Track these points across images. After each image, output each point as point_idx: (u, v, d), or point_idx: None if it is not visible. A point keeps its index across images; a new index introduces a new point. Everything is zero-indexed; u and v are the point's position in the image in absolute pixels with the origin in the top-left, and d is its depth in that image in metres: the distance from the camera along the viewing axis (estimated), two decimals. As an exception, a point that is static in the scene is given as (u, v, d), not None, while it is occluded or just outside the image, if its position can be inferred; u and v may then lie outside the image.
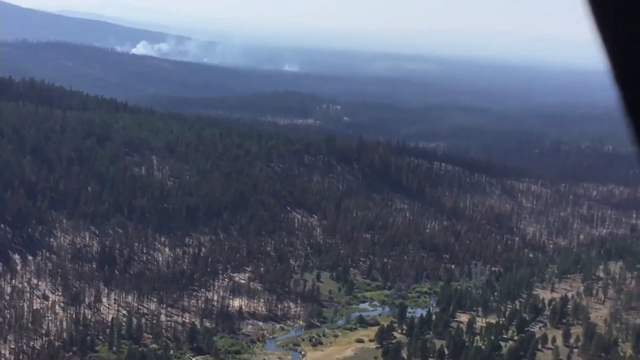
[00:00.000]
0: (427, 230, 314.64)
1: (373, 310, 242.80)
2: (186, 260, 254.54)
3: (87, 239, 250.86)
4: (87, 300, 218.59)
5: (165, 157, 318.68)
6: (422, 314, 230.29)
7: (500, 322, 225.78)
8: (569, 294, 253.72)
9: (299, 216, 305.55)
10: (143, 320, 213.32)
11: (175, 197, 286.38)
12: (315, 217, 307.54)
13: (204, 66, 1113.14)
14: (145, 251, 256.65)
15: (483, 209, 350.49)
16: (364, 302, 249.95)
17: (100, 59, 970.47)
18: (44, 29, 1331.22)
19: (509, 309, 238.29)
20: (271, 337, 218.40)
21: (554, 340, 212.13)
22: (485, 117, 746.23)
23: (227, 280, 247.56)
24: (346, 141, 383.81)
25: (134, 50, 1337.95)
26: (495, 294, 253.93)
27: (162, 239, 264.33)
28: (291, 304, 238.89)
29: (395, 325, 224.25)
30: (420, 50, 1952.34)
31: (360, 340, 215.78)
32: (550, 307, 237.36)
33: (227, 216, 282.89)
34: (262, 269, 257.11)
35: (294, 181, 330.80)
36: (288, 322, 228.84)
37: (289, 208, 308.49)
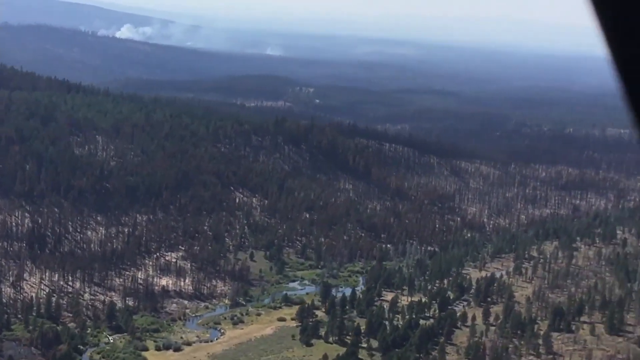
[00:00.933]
0: (368, 210, 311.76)
1: (301, 289, 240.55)
2: (120, 239, 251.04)
3: (20, 218, 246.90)
4: (10, 279, 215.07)
5: (110, 138, 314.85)
6: (344, 293, 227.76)
7: (424, 300, 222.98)
8: (499, 273, 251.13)
9: (241, 196, 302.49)
10: (65, 299, 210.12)
11: (116, 177, 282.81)
12: (257, 197, 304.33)
13: (184, 49, 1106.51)
14: (79, 230, 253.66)
15: (427, 189, 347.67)
16: (294, 281, 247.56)
17: (80, 42, 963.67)
18: (31, 12, 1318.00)
19: (436, 288, 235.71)
20: (194, 315, 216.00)
21: (474, 318, 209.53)
22: (455, 100, 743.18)
23: (159, 259, 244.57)
24: (295, 122, 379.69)
25: (118, 34, 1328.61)
26: (426, 273, 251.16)
27: (99, 219, 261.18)
28: (220, 282, 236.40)
29: (320, 303, 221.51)
30: (404, 35, 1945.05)
31: (282, 319, 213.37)
32: (475, 286, 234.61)
33: (167, 196, 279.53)
34: (196, 248, 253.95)
35: (239, 162, 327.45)
36: (214, 300, 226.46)
37: (232, 188, 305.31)
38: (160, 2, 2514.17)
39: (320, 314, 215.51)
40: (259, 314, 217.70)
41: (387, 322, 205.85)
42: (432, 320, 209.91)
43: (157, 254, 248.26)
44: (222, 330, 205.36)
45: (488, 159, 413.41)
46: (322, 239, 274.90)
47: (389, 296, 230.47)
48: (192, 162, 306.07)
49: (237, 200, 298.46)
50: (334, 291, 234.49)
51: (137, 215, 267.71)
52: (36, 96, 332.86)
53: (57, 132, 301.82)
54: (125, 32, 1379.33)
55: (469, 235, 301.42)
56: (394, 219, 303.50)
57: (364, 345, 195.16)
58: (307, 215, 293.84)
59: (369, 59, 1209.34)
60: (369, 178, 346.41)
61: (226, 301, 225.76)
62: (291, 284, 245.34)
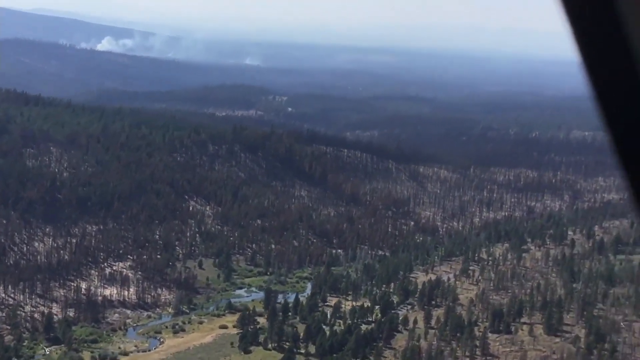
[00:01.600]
0: (321, 216, 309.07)
1: (247, 296, 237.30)
2: (67, 250, 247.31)
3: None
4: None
5: (65, 149, 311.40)
6: (285, 299, 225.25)
7: (366, 305, 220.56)
8: (446, 276, 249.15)
9: (195, 204, 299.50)
10: (5, 311, 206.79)
11: (68, 188, 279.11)
12: (211, 205, 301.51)
13: (162, 61, 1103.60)
14: (26, 242, 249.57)
15: (382, 194, 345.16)
16: (241, 288, 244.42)
17: (57, 55, 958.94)
18: (11, 27, 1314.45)
19: (380, 292, 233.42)
20: (135, 325, 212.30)
21: (415, 321, 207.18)
22: (428, 106, 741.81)
23: (106, 269, 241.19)
24: (253, 131, 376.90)
25: (99, 46, 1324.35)
26: (374, 277, 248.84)
27: (47, 230, 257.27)
28: (165, 291, 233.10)
29: (263, 310, 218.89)
30: (385, 44, 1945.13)
31: (224, 327, 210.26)
32: (419, 289, 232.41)
33: (119, 206, 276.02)
34: (144, 257, 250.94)
35: (194, 170, 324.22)
36: (157, 309, 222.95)
37: (186, 197, 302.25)
38: (140, 14, 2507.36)
39: (262, 320, 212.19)
40: (201, 322, 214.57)
41: (327, 328, 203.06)
42: (373, 325, 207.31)
43: (105, 263, 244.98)
44: (161, 340, 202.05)
45: (448, 163, 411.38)
46: (272, 246, 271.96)
47: (334, 301, 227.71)
48: (146, 172, 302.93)
49: (191, 208, 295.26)
50: (280, 297, 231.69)
51: (87, 226, 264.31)
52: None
53: (10, 144, 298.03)
54: (105, 44, 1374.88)
55: (420, 239, 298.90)
56: (346, 225, 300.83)
57: (302, 351, 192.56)
58: (260, 222, 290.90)
59: (347, 67, 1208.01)
60: (325, 184, 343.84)
61: (169, 310, 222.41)
62: (238, 291, 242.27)
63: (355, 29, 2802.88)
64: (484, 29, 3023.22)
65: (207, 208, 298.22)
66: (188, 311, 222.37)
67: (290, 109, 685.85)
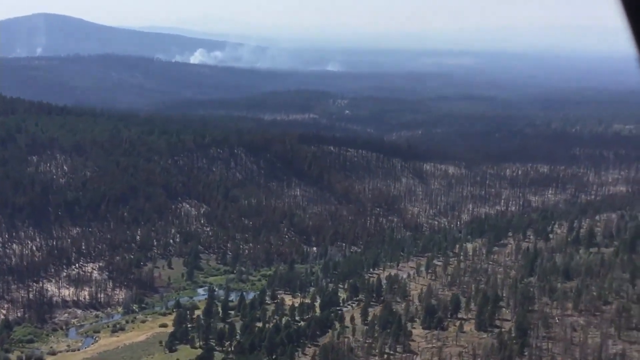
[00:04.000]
0: (308, 215, 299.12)
1: (204, 295, 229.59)
2: (43, 251, 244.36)
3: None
4: None
5: (69, 155, 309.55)
6: (226, 297, 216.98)
7: (305, 302, 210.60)
8: (408, 272, 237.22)
9: (186, 206, 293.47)
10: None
11: (60, 192, 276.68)
12: (204, 206, 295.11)
13: (242, 70, 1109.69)
14: (7, 244, 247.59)
15: (375, 192, 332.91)
16: (202, 287, 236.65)
17: (143, 67, 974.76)
18: (118, 44, 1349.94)
19: (331, 289, 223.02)
20: (80, 324, 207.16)
21: (352, 318, 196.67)
22: (483, 105, 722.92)
23: (75, 270, 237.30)
24: (257, 133, 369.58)
25: (192, 59, 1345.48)
26: (335, 274, 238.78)
27: (30, 232, 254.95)
28: (123, 291, 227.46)
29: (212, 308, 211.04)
30: (465, 46, 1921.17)
31: (164, 325, 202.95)
32: (371, 286, 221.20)
33: (107, 209, 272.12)
34: (117, 258, 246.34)
35: (191, 173, 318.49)
36: (108, 309, 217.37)
37: (178, 199, 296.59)
38: (234, 27, 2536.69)
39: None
40: (144, 321, 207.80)
41: (267, 325, 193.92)
42: (309, 322, 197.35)
43: (76, 264, 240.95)
44: (96, 339, 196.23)
45: (461, 159, 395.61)
46: (246, 244, 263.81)
47: (286, 299, 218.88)
48: (142, 175, 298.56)
49: (180, 210, 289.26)
50: (234, 295, 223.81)
51: (71, 228, 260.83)
52: (5, 120, 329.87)
53: (15, 151, 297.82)
54: (198, 56, 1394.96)
55: (400, 235, 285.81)
56: (330, 222, 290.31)
57: (228, 349, 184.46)
58: (245, 222, 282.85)
59: (424, 70, 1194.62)
60: (321, 184, 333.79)
61: (119, 309, 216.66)
62: (199, 290, 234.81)
63: (437, 33, 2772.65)
64: (562, 28, 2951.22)
65: (197, 209, 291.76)
66: (138, 310, 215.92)
67: (347, 112, 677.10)
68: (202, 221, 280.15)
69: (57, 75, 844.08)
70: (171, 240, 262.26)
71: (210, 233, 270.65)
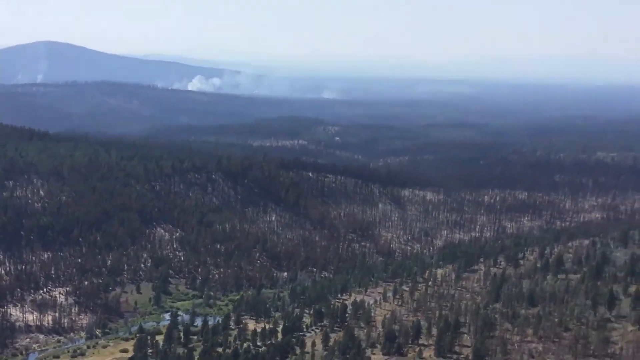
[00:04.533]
0: (281, 240, 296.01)
1: (169, 320, 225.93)
2: (13, 276, 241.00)
3: None
4: None
5: (47, 180, 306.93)
6: (185, 322, 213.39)
7: (268, 327, 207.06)
8: (375, 298, 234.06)
9: (161, 231, 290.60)
10: None
11: (34, 217, 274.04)
12: (176, 231, 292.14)
13: (238, 97, 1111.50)
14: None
15: (351, 217, 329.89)
16: (169, 311, 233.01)
17: (140, 94, 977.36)
18: (115, 71, 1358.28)
19: (295, 314, 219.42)
20: (40, 349, 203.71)
21: (314, 344, 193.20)
22: (476, 132, 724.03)
23: (43, 294, 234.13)
24: (236, 159, 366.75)
25: (190, 86, 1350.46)
26: (302, 299, 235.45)
27: (1, 257, 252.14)
28: (88, 316, 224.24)
29: (173, 333, 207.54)
30: (464, 75, 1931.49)
31: (124, 350, 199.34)
32: (335, 311, 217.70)
33: (80, 233, 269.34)
34: (85, 282, 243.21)
35: (168, 198, 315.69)
36: (71, 334, 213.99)
37: (153, 223, 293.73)
38: (231, 56, 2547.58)
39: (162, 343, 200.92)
40: (105, 346, 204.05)
41: (227, 350, 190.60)
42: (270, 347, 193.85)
43: (44, 289, 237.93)
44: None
45: (441, 186, 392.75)
46: (215, 269, 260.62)
47: (251, 324, 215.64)
48: (118, 200, 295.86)
49: (155, 234, 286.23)
50: (199, 320, 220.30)
51: (43, 253, 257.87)
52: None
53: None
54: (196, 83, 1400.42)
55: (371, 261, 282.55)
56: (304, 248, 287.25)
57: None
58: (218, 247, 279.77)
59: (422, 98, 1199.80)
60: (297, 209, 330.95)
61: (82, 335, 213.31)
62: (164, 315, 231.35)
63: (436, 62, 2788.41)
64: (562, 57, 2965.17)
65: (171, 234, 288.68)
66: (101, 335, 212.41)
67: (337, 138, 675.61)
68: (175, 246, 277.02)
69: (54, 101, 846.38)
70: (142, 265, 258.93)
71: (182, 258, 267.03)
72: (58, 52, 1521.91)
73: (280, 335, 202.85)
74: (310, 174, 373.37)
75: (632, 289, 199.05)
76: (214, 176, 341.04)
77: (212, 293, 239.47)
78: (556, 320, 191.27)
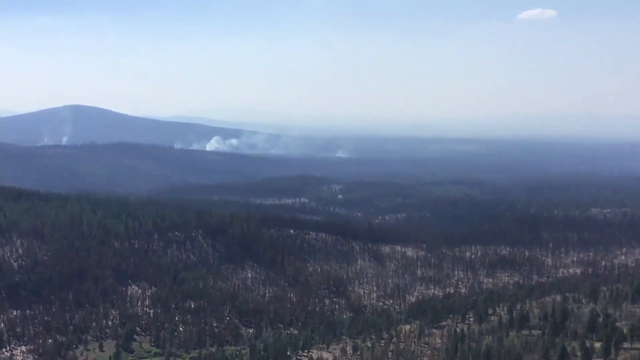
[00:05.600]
0: (253, 296, 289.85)
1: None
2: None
3: None
4: None
5: (26, 239, 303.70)
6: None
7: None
8: (335, 355, 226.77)
9: (135, 288, 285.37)
10: None
11: (6, 275, 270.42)
12: (150, 288, 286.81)
13: (249, 156, 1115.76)
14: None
15: (326, 274, 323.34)
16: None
17: (155, 155, 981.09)
18: (137, 132, 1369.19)
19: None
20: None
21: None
22: (476, 189, 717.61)
23: (5, 353, 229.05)
24: (218, 216, 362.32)
25: (208, 146, 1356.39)
26: (260, 356, 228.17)
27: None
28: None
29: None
30: (479, 134, 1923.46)
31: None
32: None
33: (51, 291, 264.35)
34: (49, 341, 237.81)
35: (145, 255, 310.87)
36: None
37: (129, 281, 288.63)
38: (250, 116, 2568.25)
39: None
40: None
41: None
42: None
43: (7, 347, 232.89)
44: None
45: (422, 242, 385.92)
46: (183, 326, 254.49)
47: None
48: (94, 258, 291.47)
49: (129, 292, 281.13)
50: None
51: (11, 311, 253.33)
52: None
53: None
54: (214, 143, 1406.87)
55: (345, 316, 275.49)
56: (275, 304, 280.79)
57: None
58: (188, 304, 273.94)
59: (428, 157, 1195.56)
60: (274, 266, 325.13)
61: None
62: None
63: (448, 122, 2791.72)
64: (574, 115, 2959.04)
65: (144, 291, 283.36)
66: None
67: (340, 196, 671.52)
68: (146, 303, 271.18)
69: (70, 162, 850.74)
70: (110, 323, 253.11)
71: (151, 315, 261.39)
72: (84, 115, 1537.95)
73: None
74: (292, 231, 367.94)
75: (590, 344, 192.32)
76: (193, 233, 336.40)
77: (173, 350, 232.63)
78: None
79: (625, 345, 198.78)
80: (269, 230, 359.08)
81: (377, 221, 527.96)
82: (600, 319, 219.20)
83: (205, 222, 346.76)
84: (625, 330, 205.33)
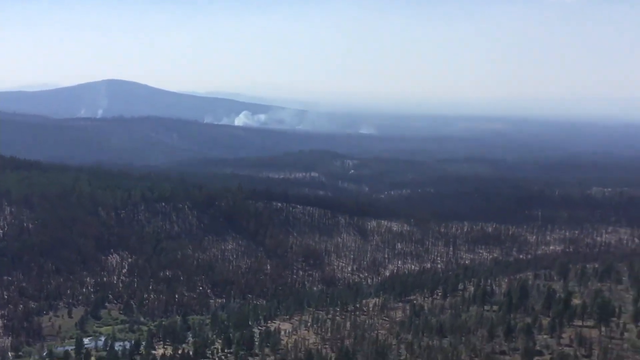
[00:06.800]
0: (231, 267, 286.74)
1: (89, 344, 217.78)
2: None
3: None
4: None
5: (17, 208, 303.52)
6: (97, 346, 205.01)
7: (178, 353, 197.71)
8: (295, 326, 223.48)
9: (117, 257, 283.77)
10: None
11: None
12: (131, 257, 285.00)
13: (273, 131, 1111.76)
14: None
15: (306, 247, 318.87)
16: (90, 336, 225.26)
17: (182, 129, 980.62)
18: (170, 107, 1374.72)
19: (205, 341, 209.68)
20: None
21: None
22: (487, 167, 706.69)
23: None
24: (206, 189, 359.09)
25: (237, 121, 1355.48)
26: (222, 325, 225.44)
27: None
28: (10, 339, 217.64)
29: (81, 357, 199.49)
30: (505, 113, 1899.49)
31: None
32: (242, 338, 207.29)
33: (32, 259, 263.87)
34: (20, 307, 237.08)
35: (130, 226, 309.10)
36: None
37: (111, 250, 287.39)
38: (282, 92, 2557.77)
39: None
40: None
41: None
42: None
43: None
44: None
45: (413, 217, 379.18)
46: (154, 295, 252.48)
47: (161, 350, 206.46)
48: (79, 227, 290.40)
49: (109, 261, 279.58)
50: (118, 345, 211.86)
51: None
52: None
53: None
54: (242, 118, 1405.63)
55: (317, 288, 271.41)
56: (249, 275, 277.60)
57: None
58: (165, 273, 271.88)
59: (451, 134, 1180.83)
60: (256, 238, 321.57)
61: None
62: (85, 340, 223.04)
63: (475, 100, 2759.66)
64: (599, 97, 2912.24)
65: (124, 260, 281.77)
66: (13, 359, 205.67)
67: (352, 171, 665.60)
68: (123, 272, 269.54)
69: (98, 135, 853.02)
70: (84, 290, 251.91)
71: (126, 283, 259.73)
72: (120, 90, 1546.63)
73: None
74: (279, 204, 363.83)
75: (545, 321, 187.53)
76: (181, 205, 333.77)
77: (142, 318, 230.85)
78: (450, 352, 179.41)
79: (576, 322, 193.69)
80: (256, 203, 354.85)
81: (382, 196, 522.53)
82: (557, 297, 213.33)
83: (193, 195, 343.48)
84: (578, 308, 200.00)
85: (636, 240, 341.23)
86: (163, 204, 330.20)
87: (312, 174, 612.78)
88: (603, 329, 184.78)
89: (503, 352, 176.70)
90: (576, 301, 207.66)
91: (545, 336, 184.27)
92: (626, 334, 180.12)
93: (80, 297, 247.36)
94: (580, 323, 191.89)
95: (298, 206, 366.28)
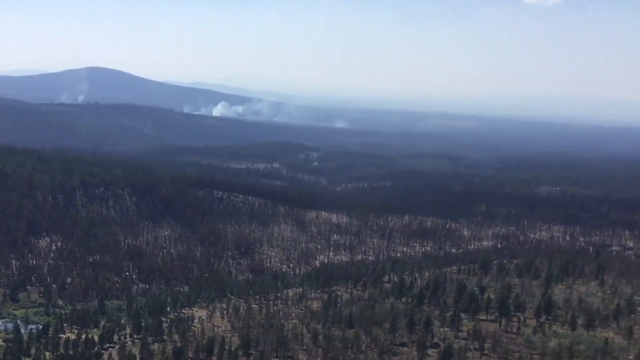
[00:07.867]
0: (162, 254, 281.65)
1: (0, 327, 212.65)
2: None
3: None
4: None
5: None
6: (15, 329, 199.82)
7: (86, 337, 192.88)
8: (210, 313, 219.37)
9: (48, 240, 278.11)
10: None
11: None
12: (62, 242, 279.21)
13: (246, 122, 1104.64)
14: None
15: (239, 236, 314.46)
16: (5, 318, 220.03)
17: (155, 117, 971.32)
18: (150, 95, 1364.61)
19: (114, 326, 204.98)
20: None
21: (110, 356, 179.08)
22: (450, 164, 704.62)
23: None
24: (147, 175, 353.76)
25: (214, 111, 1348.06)
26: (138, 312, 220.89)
27: None
28: None
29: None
30: (481, 112, 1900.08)
31: None
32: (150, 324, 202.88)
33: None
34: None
35: (65, 210, 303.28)
36: None
37: (44, 234, 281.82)
38: (262, 84, 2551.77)
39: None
40: None
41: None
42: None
43: None
44: None
45: (354, 209, 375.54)
46: (77, 279, 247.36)
47: (71, 334, 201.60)
48: (11, 210, 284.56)
49: (39, 244, 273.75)
50: (30, 328, 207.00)
51: None
52: None
53: None
54: (220, 109, 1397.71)
55: (244, 277, 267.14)
56: (177, 262, 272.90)
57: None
58: (93, 258, 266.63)
59: (423, 130, 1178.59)
60: (192, 226, 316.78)
61: None
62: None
63: (452, 98, 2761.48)
64: (572, 98, 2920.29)
65: (55, 244, 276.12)
66: None
67: (315, 163, 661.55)
68: (51, 255, 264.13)
69: (71, 120, 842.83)
70: (8, 272, 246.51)
71: (52, 267, 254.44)
72: (101, 77, 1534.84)
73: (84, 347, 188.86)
74: (221, 193, 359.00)
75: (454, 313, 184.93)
76: (120, 191, 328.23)
77: (60, 302, 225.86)
78: (350, 343, 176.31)
79: (482, 316, 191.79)
80: (197, 191, 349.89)
81: (338, 189, 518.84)
82: (466, 291, 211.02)
83: (134, 181, 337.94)
84: (484, 303, 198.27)
85: (568, 237, 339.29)
86: (102, 189, 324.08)
87: (274, 164, 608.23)
88: (503, 322, 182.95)
89: (403, 344, 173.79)
90: (491, 296, 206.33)
91: (446, 329, 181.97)
92: (523, 329, 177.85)
93: (2, 279, 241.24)
94: (485, 317, 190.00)
95: (240, 195, 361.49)
